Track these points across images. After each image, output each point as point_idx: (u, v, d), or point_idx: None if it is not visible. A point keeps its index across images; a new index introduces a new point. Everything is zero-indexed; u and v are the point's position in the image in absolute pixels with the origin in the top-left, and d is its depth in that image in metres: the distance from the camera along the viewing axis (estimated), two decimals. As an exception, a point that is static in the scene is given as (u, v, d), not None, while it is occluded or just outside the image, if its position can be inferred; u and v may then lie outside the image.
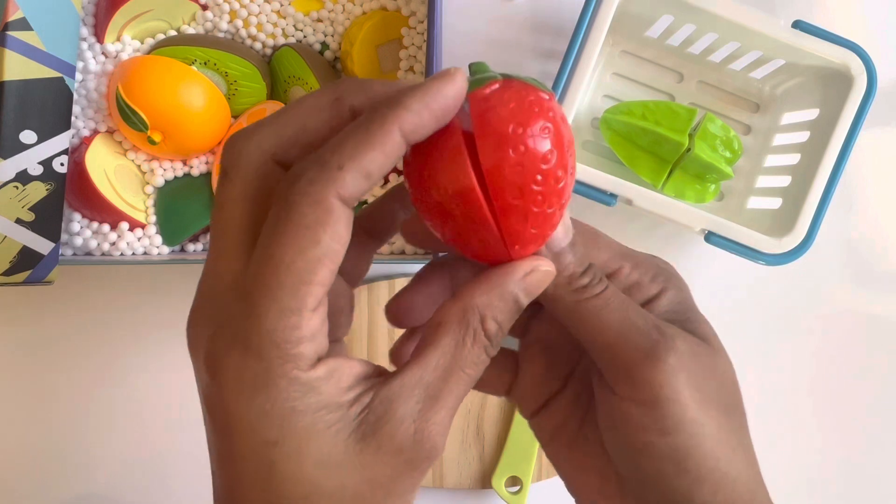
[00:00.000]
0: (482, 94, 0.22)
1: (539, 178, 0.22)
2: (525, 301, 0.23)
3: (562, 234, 0.24)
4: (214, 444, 0.22)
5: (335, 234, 0.20)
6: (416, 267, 0.53)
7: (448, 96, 0.21)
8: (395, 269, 0.53)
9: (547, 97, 0.22)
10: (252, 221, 0.21)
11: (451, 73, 0.21)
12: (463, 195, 0.21)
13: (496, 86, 0.22)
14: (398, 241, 0.51)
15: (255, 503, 0.21)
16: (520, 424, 0.52)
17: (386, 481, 0.21)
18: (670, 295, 0.26)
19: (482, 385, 0.26)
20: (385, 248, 0.51)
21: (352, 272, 0.26)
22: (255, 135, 0.22)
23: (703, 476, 0.23)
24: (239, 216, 0.22)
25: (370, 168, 0.20)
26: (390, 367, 0.23)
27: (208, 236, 0.51)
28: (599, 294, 0.24)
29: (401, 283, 0.52)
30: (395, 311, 0.27)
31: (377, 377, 0.22)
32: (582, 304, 0.24)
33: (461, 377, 0.22)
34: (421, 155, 0.22)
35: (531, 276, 0.23)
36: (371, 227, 0.26)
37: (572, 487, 0.28)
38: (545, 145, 0.21)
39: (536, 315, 0.28)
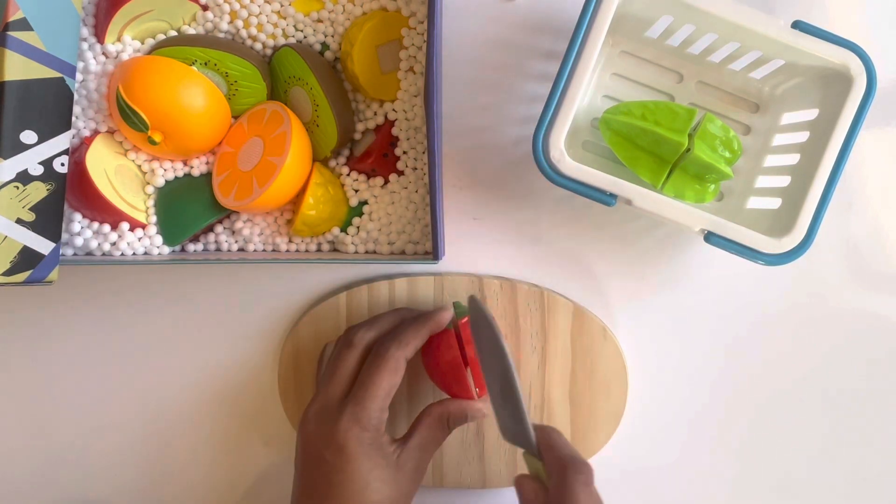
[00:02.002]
0: (464, 320, 0.46)
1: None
2: (469, 419, 0.47)
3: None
4: (327, 473, 0.42)
5: (401, 374, 0.44)
6: (416, 267, 0.53)
7: (445, 320, 0.47)
8: (395, 270, 0.53)
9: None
10: (356, 372, 0.45)
11: (447, 311, 0.47)
12: (453, 363, 0.46)
13: (465, 319, 0.46)
14: (398, 241, 0.51)
15: (333, 484, 0.42)
16: None
17: (406, 490, 0.44)
18: None
19: None
20: (385, 248, 0.51)
21: None
22: (368, 330, 0.46)
23: None
24: (352, 369, 0.45)
25: (417, 345, 0.45)
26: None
27: (209, 236, 0.51)
28: None
29: (400, 283, 0.52)
30: None
31: (398, 440, 0.45)
32: None
33: (435, 442, 0.46)
34: (433, 342, 0.47)
35: (478, 409, 0.47)
36: None
37: None
38: None
39: None
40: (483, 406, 0.47)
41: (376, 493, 0.42)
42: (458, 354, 0.46)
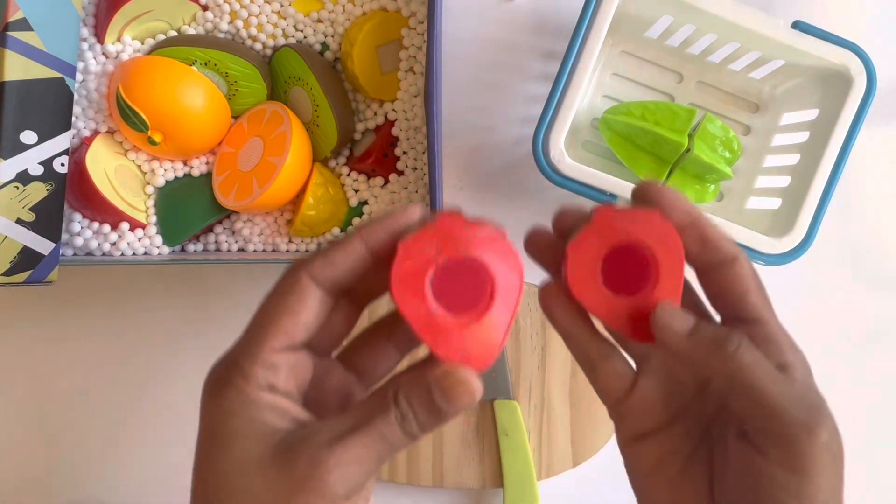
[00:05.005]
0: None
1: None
2: (438, 396, 0.25)
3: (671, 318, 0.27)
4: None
5: (299, 298, 0.26)
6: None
7: (400, 223, 0.27)
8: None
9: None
10: None
11: (407, 211, 0.27)
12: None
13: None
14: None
15: (197, 482, 0.26)
16: (511, 456, 0.52)
17: (283, 495, 0.24)
18: (801, 370, 0.28)
19: (601, 383, 0.29)
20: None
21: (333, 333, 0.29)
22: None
23: None
24: None
25: (335, 259, 0.27)
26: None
27: (209, 236, 0.51)
28: (750, 350, 0.26)
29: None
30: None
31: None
32: (742, 369, 0.26)
33: (370, 429, 0.25)
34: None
35: (446, 378, 0.25)
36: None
37: None
38: None
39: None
40: (462, 369, 0.25)
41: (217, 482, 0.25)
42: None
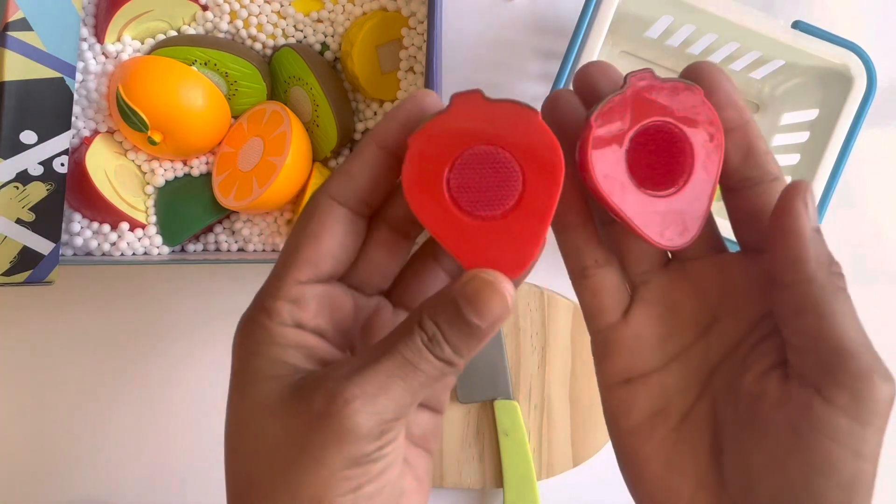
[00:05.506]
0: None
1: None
2: (465, 305, 0.22)
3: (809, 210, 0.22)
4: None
5: (320, 222, 0.24)
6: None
7: (409, 113, 0.24)
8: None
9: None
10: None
11: (416, 97, 0.24)
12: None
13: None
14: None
15: (225, 427, 0.24)
16: (511, 456, 0.52)
17: (299, 435, 0.22)
18: None
19: (591, 294, 0.26)
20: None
21: (384, 270, 0.27)
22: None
23: None
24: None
25: (351, 170, 0.24)
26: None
27: (209, 236, 0.51)
28: (846, 290, 0.23)
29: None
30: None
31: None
32: (833, 296, 0.22)
33: (393, 355, 0.22)
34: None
35: (470, 283, 0.22)
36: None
37: (651, 490, 0.25)
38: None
39: (669, 270, 0.26)
40: (487, 271, 0.23)
41: (246, 432, 0.23)
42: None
